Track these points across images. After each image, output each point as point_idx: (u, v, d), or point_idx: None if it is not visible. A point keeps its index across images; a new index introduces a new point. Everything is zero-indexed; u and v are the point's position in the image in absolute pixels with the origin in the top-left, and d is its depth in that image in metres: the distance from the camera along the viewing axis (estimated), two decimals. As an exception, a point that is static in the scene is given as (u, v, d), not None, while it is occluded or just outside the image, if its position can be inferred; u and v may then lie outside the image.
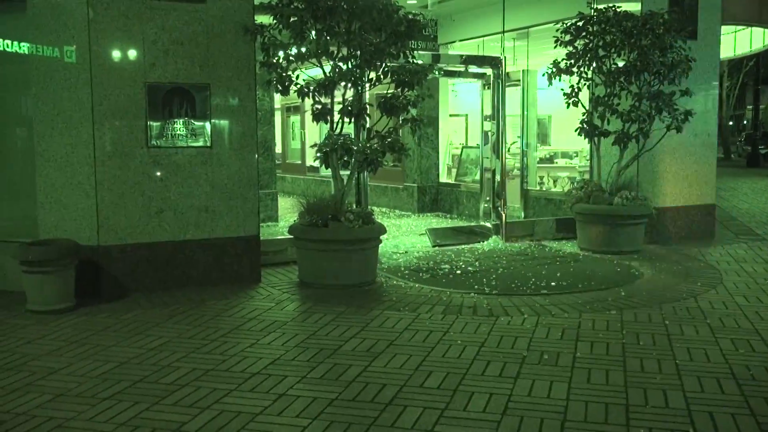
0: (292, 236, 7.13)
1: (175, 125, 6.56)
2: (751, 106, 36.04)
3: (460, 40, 12.41)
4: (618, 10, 8.59)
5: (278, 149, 15.86)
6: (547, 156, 12.91)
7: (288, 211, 12.00)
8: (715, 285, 6.91)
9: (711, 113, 9.82)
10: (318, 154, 7.08)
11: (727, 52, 16.34)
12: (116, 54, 6.32)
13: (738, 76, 32.49)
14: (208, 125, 6.70)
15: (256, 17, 6.85)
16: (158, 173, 6.52)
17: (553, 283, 6.92)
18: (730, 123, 35.35)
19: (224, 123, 6.77)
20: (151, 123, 6.46)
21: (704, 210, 9.85)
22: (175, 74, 6.53)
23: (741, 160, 31.09)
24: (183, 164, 6.63)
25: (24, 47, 6.48)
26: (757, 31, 15.67)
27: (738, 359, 4.71)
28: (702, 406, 3.92)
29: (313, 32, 6.72)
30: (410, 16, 6.92)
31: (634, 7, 8.88)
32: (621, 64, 8.58)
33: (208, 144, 6.72)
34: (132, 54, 6.37)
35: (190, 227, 6.69)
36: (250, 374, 4.43)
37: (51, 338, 5.20)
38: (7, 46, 6.61)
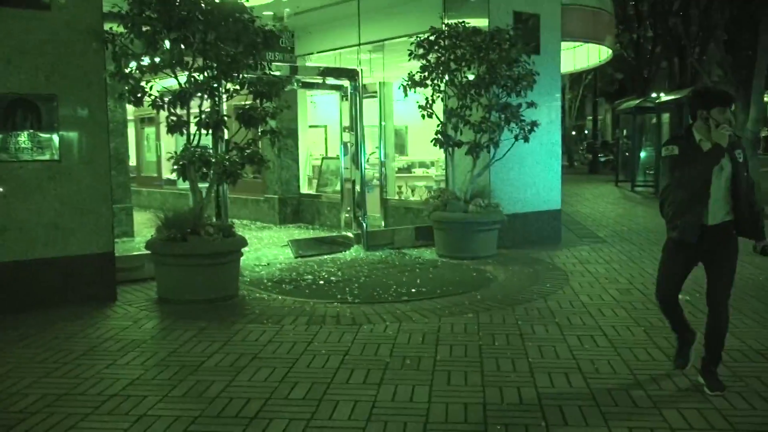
0: (149, 252, 6.91)
1: (19, 138, 6.20)
2: (590, 117, 38.67)
3: (318, 52, 12.48)
4: (467, 25, 8.97)
5: (132, 162, 15.29)
6: (405, 166, 13.23)
7: (144, 226, 11.52)
8: (563, 285, 7.36)
9: (555, 124, 10.45)
10: (175, 167, 6.91)
11: (567, 66, 17.43)
12: (-50, 62, 5.90)
13: (578, 89, 34.71)
14: (55, 137, 6.37)
15: (106, 25, 6.60)
16: (0, 189, 6.13)
17: (413, 290, 7.11)
18: (573, 133, 37.66)
19: (73, 135, 6.47)
20: (-9, 136, 6.07)
21: (551, 215, 10.46)
22: (17, 84, 6.18)
23: (583, 167, 33.17)
24: (28, 179, 6.26)
25: None
26: (594, 47, 16.82)
27: (584, 354, 5.05)
28: (553, 400, 4.17)
29: (167, 42, 6.57)
30: (267, 28, 6.90)
31: (482, 23, 9.31)
32: (471, 77, 8.95)
33: (57, 157, 6.39)
34: (-32, 62, 5.98)
35: (38, 246, 6.33)
36: (108, 396, 4.26)
37: None
38: None
